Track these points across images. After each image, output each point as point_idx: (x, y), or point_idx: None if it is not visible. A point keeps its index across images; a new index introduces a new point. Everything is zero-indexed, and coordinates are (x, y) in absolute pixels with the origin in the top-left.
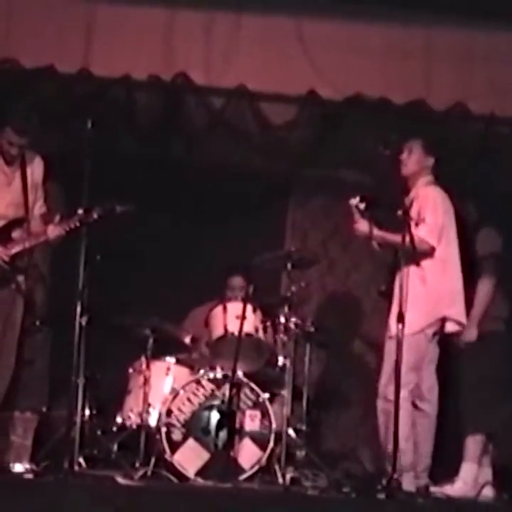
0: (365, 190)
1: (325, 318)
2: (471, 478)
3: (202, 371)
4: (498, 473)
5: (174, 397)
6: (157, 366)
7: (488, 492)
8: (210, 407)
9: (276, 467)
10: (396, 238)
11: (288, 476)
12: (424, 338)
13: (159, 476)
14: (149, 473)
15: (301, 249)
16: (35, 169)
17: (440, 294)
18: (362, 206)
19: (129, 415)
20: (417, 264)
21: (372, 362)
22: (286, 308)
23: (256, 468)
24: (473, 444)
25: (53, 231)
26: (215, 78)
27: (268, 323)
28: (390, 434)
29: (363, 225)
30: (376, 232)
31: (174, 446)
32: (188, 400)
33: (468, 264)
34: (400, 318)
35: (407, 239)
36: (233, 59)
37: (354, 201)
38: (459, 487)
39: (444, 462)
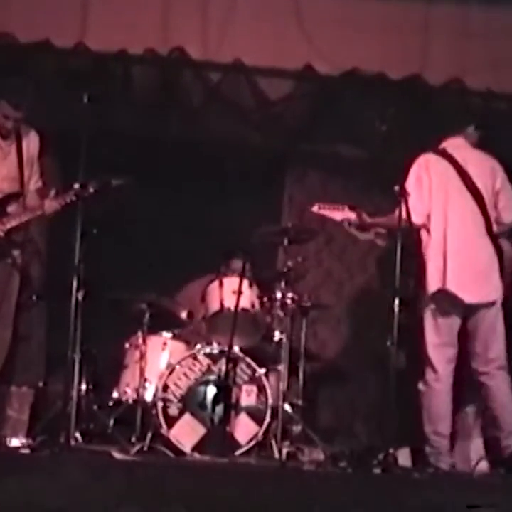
0: (362, 165)
1: (321, 293)
2: (463, 453)
3: (198, 346)
4: (494, 447)
5: (170, 372)
6: (153, 341)
7: (482, 466)
8: (207, 382)
9: (273, 442)
10: (389, 220)
11: (284, 451)
12: (439, 314)
13: (155, 451)
14: (145, 448)
15: (298, 225)
16: (31, 143)
17: (431, 269)
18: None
19: (126, 390)
20: (416, 240)
21: (368, 337)
22: (282, 284)
23: (252, 443)
24: (462, 419)
25: (49, 205)
26: (212, 53)
27: (264, 299)
28: (426, 416)
29: (346, 213)
30: (370, 220)
31: (170, 421)
32: (185, 374)
33: None
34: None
35: (404, 214)
36: (230, 33)
37: (315, 207)
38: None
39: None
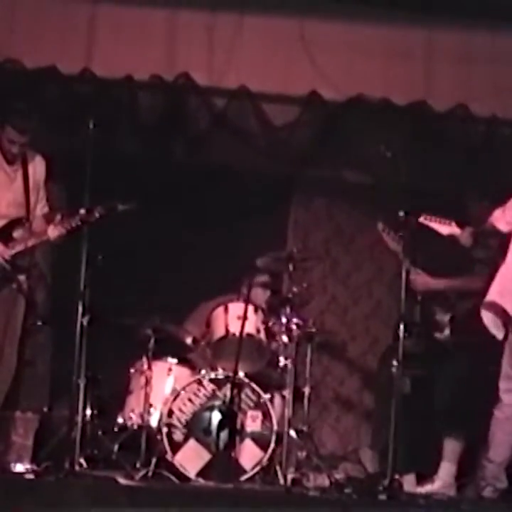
0: (367, 190)
1: (326, 318)
2: (449, 477)
3: (203, 371)
4: None
5: (175, 398)
6: (158, 366)
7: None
8: (212, 408)
9: (278, 468)
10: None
11: (289, 477)
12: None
13: (160, 477)
14: (150, 473)
15: (303, 250)
16: (37, 168)
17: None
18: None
19: (130, 416)
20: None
21: (373, 363)
22: (287, 309)
23: (257, 468)
24: (451, 444)
25: (54, 230)
26: (217, 79)
27: (270, 324)
28: (490, 443)
29: (453, 229)
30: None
31: (175, 447)
32: (189, 400)
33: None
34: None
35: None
36: (235, 59)
37: (421, 218)
38: (438, 486)
39: (425, 461)
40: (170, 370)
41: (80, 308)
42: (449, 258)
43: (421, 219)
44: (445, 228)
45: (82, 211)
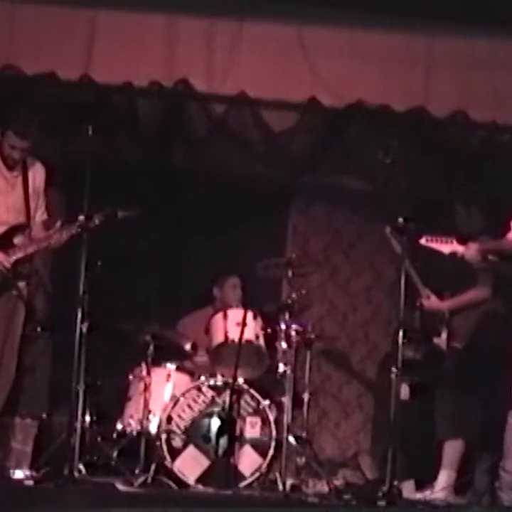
0: (366, 196)
1: (325, 324)
2: (448, 483)
3: (202, 378)
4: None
5: (174, 404)
6: (157, 373)
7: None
8: (211, 414)
9: (277, 474)
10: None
11: (288, 483)
12: None
13: (159, 483)
14: (149, 480)
15: (302, 256)
16: (37, 175)
17: None
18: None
19: (130, 422)
20: None
21: (372, 369)
22: (286, 316)
23: (256, 475)
24: (450, 449)
25: (54, 237)
26: (216, 85)
27: (269, 330)
28: (506, 452)
29: (455, 246)
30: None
31: (174, 453)
32: (189, 406)
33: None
34: None
35: None
36: (234, 66)
37: (423, 240)
38: (437, 492)
39: (424, 467)
40: (169, 376)
41: (80, 315)
42: (452, 269)
43: (422, 241)
44: (447, 247)
45: (82, 218)
